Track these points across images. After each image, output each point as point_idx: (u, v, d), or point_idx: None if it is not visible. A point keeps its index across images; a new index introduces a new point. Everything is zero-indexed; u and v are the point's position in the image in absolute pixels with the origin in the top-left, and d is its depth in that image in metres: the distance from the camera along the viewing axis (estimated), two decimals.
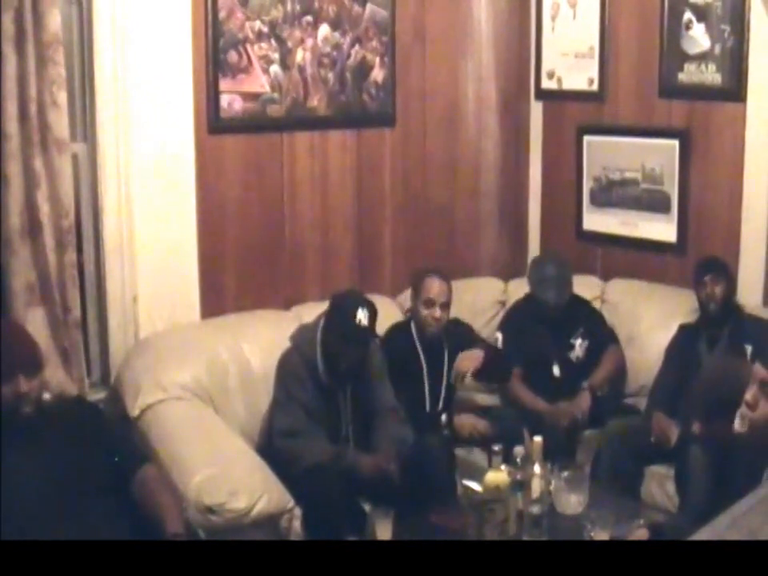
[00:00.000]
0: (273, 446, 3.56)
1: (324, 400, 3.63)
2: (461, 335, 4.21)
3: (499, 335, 4.44)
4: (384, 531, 3.18)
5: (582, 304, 4.54)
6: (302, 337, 3.71)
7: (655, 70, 4.57)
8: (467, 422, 4.01)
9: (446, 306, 4.05)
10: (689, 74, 4.45)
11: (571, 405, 4.15)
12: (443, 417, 4.03)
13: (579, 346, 4.38)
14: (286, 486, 3.36)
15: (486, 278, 4.94)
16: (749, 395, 2.37)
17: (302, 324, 3.87)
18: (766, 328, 3.92)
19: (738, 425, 2.31)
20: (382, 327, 4.04)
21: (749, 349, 3.83)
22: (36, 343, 2.93)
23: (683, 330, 4.14)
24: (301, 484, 3.37)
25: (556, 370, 4.33)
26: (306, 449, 3.49)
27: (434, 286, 4.04)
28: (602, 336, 4.44)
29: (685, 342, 4.08)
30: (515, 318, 4.50)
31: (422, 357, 4.09)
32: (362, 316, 3.52)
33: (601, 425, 4.03)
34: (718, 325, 4.01)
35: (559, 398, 4.20)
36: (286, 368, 3.65)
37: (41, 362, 2.87)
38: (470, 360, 4.02)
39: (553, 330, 4.36)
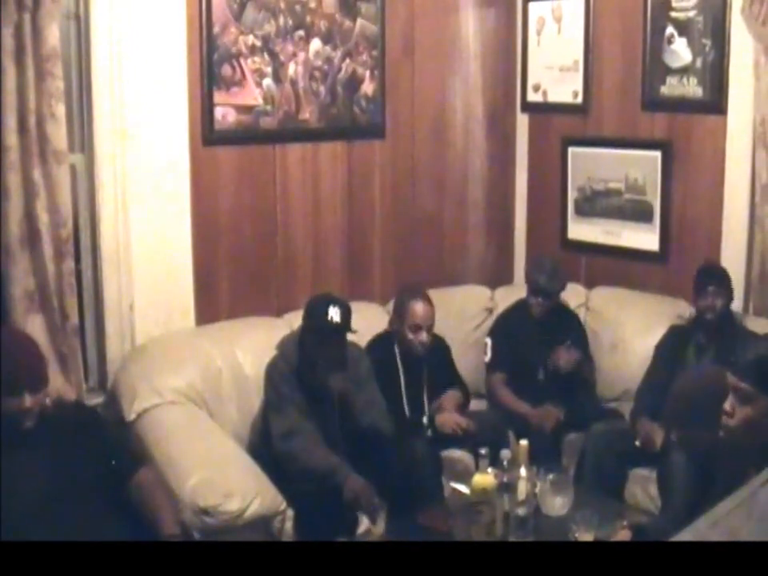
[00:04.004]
0: (272, 450, 3.55)
1: (312, 406, 3.64)
2: (439, 352, 4.27)
3: (488, 341, 4.51)
4: (377, 526, 3.24)
5: (573, 317, 4.61)
6: (286, 345, 3.73)
7: (638, 83, 4.64)
8: (449, 418, 4.03)
9: (431, 328, 4.09)
10: (671, 87, 4.52)
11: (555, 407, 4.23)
12: (425, 418, 4.06)
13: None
14: (279, 487, 3.39)
15: (473, 286, 4.98)
16: (727, 404, 2.46)
17: (287, 333, 3.90)
18: (751, 341, 3.94)
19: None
20: (371, 334, 4.12)
21: (734, 360, 3.87)
22: (43, 357, 2.91)
23: (674, 330, 4.15)
24: (294, 486, 3.40)
25: (541, 374, 4.39)
26: (303, 451, 3.50)
27: (420, 311, 4.04)
28: (584, 357, 4.48)
29: (674, 344, 4.09)
30: (505, 324, 4.56)
31: (400, 369, 4.12)
32: (333, 314, 3.54)
33: (585, 428, 4.08)
34: (710, 333, 4.01)
35: (543, 402, 4.25)
36: (273, 373, 3.68)
37: (46, 378, 2.85)
38: (452, 401, 4.14)
39: (541, 336, 4.41)
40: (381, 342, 4.16)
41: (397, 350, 4.13)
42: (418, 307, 4.05)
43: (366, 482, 3.46)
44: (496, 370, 4.45)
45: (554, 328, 4.45)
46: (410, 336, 4.05)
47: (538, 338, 4.42)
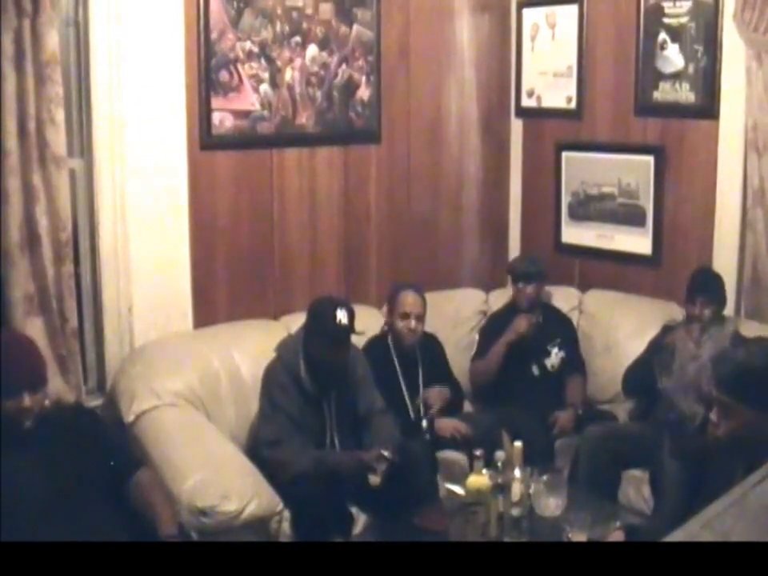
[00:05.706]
0: (259, 457, 3.59)
1: (309, 408, 3.66)
2: (433, 350, 4.33)
3: (477, 337, 4.59)
4: (377, 476, 3.40)
5: (564, 319, 4.66)
6: (285, 347, 3.75)
7: (631, 89, 4.68)
8: (448, 424, 4.09)
9: (420, 317, 4.15)
10: (663, 92, 4.55)
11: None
12: (424, 421, 4.09)
13: (555, 354, 4.49)
14: (275, 489, 3.42)
15: (467, 289, 5.00)
16: (713, 415, 2.49)
17: (286, 335, 3.93)
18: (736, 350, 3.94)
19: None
20: (367, 337, 4.14)
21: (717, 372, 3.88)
22: (42, 358, 2.92)
23: (667, 330, 4.16)
24: (288, 491, 3.42)
25: (535, 371, 4.46)
26: (291, 458, 3.52)
27: (409, 299, 4.15)
28: (574, 358, 4.55)
29: (667, 342, 4.08)
30: (493, 322, 4.63)
31: (398, 368, 4.17)
32: (341, 316, 3.57)
33: (579, 430, 4.11)
34: (699, 337, 4.01)
35: (535, 400, 4.31)
36: (270, 378, 3.70)
37: (45, 378, 2.86)
38: (438, 397, 4.17)
39: (532, 334, 4.45)
40: (377, 344, 4.20)
41: (393, 351, 4.18)
42: (407, 296, 4.17)
43: (353, 451, 3.59)
44: (476, 361, 4.54)
45: (544, 327, 4.51)
46: (400, 324, 4.14)
47: (529, 337, 4.46)
